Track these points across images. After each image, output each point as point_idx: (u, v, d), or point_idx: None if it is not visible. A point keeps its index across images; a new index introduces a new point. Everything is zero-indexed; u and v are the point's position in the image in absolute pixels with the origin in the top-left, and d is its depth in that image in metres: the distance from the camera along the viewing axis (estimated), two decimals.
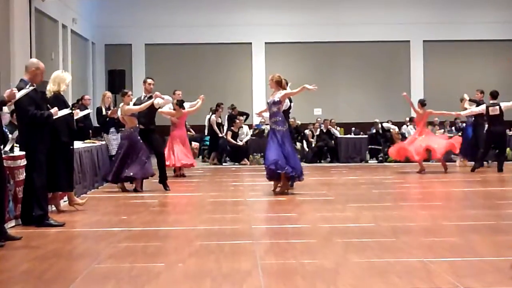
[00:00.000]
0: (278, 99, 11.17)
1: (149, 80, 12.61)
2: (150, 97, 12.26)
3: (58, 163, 8.76)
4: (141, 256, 6.47)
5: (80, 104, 14.70)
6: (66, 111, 8.79)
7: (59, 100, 8.94)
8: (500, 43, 26.37)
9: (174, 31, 25.78)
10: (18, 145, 8.87)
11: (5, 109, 10.67)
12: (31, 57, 17.63)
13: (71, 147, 9.20)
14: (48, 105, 8.53)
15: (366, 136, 21.39)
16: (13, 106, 8.87)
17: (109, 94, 14.46)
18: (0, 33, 15.95)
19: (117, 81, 20.92)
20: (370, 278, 5.27)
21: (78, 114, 9.57)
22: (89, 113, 11.77)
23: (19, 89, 7.83)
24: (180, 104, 14.97)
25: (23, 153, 8.61)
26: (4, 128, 9.37)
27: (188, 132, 21.86)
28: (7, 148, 8.15)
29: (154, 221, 8.72)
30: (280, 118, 11.19)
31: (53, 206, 9.17)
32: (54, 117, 8.33)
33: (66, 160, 8.98)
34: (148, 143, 12.19)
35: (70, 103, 9.68)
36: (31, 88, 7.85)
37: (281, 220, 8.56)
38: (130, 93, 12.30)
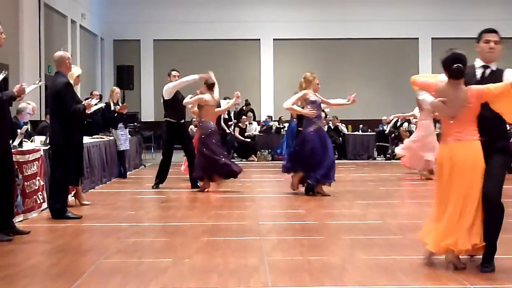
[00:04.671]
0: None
1: (173, 73, 12.03)
2: None
3: None
4: (148, 251, 6.50)
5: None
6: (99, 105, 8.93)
7: None
8: (510, 40, 26.23)
9: (183, 27, 25.80)
10: (26, 140, 8.91)
11: (28, 108, 10.72)
12: (40, 52, 17.71)
13: (81, 142, 9.22)
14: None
15: (374, 133, 21.37)
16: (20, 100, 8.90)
17: (117, 89, 14.47)
18: (10, 28, 15.97)
19: (125, 77, 20.94)
20: (376, 275, 5.27)
21: (92, 108, 9.60)
22: (102, 107, 11.76)
23: (59, 83, 7.90)
24: None
25: (32, 147, 8.66)
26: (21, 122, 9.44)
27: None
28: (16, 142, 8.20)
29: (162, 217, 8.75)
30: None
31: None
32: (88, 112, 8.46)
33: (76, 154, 8.99)
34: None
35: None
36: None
37: (288, 217, 8.56)
38: None
